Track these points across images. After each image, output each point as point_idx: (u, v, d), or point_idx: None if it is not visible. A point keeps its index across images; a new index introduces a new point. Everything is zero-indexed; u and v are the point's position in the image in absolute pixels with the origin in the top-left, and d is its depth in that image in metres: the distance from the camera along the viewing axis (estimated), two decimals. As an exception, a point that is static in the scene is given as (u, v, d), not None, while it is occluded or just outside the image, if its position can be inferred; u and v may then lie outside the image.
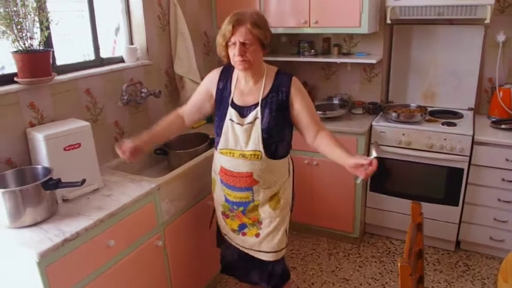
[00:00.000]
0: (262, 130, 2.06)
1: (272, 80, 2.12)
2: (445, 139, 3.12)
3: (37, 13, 2.17)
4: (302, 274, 3.21)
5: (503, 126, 3.16)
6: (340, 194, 3.41)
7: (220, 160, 2.19)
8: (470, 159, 3.10)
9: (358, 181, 1.93)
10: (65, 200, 2.13)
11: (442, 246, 3.46)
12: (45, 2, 2.23)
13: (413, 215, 1.80)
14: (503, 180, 3.03)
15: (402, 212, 3.41)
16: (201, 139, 3.04)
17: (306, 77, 3.92)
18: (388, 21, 3.29)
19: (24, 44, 2.15)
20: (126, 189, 2.26)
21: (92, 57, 2.75)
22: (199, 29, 3.47)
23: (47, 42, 2.34)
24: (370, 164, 1.82)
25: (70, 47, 2.76)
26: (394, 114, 3.32)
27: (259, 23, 1.98)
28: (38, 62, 2.18)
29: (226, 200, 2.25)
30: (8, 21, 2.07)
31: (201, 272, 2.81)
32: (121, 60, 2.93)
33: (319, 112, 3.21)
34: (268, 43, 2.04)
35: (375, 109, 3.60)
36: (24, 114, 2.22)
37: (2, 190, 1.85)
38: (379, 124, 3.32)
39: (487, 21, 3.00)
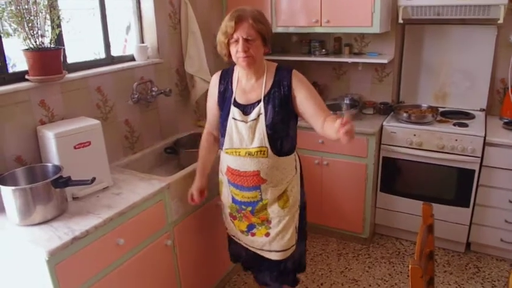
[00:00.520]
0: (267, 126, 2.05)
1: (273, 75, 2.12)
2: (456, 140, 3.09)
3: (48, 11, 2.17)
4: (311, 274, 3.20)
5: (515, 127, 3.12)
6: (350, 194, 3.39)
7: (227, 160, 2.18)
8: (481, 161, 3.07)
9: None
10: (74, 198, 2.14)
11: (452, 247, 3.42)
12: (56, 0, 2.23)
13: (424, 216, 1.79)
14: (515, 182, 3.00)
15: (412, 213, 3.38)
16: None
17: (317, 76, 3.91)
18: (400, 21, 3.28)
19: (36, 41, 2.16)
20: (135, 187, 2.26)
21: (102, 55, 2.76)
22: (209, 31, 3.46)
23: (58, 40, 2.34)
24: (345, 123, 1.74)
25: (81, 45, 2.77)
26: (405, 115, 3.30)
27: (260, 18, 2.00)
28: (49, 59, 2.18)
29: (234, 201, 2.24)
30: (20, 19, 2.08)
31: (210, 272, 2.81)
32: (132, 58, 2.93)
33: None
34: (269, 39, 2.05)
35: (385, 109, 3.57)
36: (35, 112, 2.22)
37: (13, 188, 1.86)
38: (390, 124, 3.29)
39: (500, 21, 2.97)
